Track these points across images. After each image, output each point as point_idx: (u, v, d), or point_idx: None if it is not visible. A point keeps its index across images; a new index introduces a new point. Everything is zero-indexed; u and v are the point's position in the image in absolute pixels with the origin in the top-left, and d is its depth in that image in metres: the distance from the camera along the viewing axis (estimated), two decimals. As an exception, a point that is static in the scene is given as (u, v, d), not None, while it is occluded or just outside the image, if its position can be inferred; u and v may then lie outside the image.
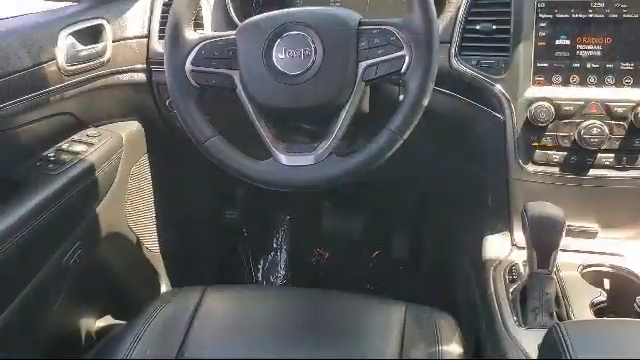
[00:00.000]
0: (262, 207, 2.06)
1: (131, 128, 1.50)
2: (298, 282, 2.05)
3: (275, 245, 2.11)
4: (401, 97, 1.01)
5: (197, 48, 1.04)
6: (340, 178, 1.01)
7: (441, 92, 1.22)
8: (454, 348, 1.03)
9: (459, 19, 1.22)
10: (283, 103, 1.02)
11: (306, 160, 1.00)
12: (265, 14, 1.05)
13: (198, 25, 1.38)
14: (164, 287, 1.71)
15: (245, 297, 1.19)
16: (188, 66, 1.04)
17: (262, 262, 2.09)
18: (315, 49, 1.00)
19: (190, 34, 1.05)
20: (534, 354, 0.93)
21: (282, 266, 2.08)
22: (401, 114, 0.98)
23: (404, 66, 0.97)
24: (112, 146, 1.40)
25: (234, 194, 2.04)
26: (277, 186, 1.04)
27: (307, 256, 2.08)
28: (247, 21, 1.06)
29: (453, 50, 1.22)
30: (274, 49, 1.01)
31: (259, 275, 2.08)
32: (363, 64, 0.99)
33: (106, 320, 1.52)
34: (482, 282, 1.16)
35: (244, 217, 2.05)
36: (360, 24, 1.00)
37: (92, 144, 1.36)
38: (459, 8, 1.23)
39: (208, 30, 1.40)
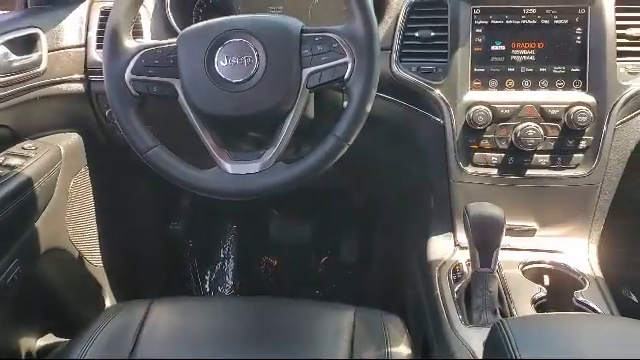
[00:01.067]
0: (207, 217, 2.03)
1: (70, 140, 1.46)
2: (247, 291, 2.03)
3: (222, 255, 2.08)
4: (345, 103, 1.02)
5: (137, 57, 1.02)
6: (287, 185, 1.01)
7: (383, 98, 1.24)
8: (402, 349, 1.04)
9: (399, 26, 1.24)
10: (226, 111, 1.01)
11: (252, 168, 1.00)
12: (206, 22, 1.04)
13: (137, 34, 1.35)
14: (109, 302, 1.66)
15: (192, 309, 1.18)
16: (128, 75, 1.02)
17: (209, 273, 2.07)
18: (258, 56, 1.00)
19: (129, 43, 1.03)
20: (480, 352, 0.95)
21: (230, 276, 2.06)
22: (345, 120, 0.99)
23: (347, 73, 0.99)
24: (50, 159, 1.36)
25: (178, 205, 2.01)
26: (223, 195, 1.03)
27: (255, 265, 2.07)
28: (188, 29, 1.05)
29: (394, 56, 1.24)
30: (216, 57, 1.01)
31: (207, 286, 2.05)
32: (307, 71, 1.00)
33: (48, 339, 1.47)
34: (428, 283, 1.19)
35: (189, 228, 2.02)
36: (302, 31, 1.01)
37: (29, 157, 1.31)
38: (398, 15, 1.25)
39: (148, 39, 1.38)
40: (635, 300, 1.67)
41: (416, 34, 1.24)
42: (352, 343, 1.05)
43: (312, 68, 1.00)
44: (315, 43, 1.00)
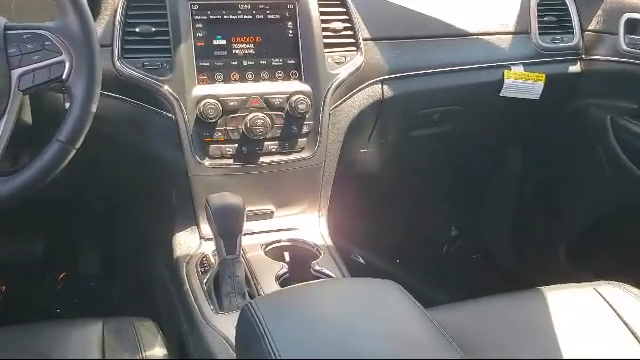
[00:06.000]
0: None
1: None
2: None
3: None
4: (67, 105, 0.96)
5: None
6: (6, 200, 0.91)
7: (109, 96, 1.20)
8: (157, 351, 1.03)
9: (117, 22, 1.21)
10: None
11: None
12: None
13: None
14: None
15: None
16: None
17: None
18: None
19: None
20: (234, 337, 0.99)
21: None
22: (69, 123, 0.93)
23: (65, 72, 0.92)
24: None
25: None
26: None
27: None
28: None
29: (116, 53, 1.20)
30: None
31: None
32: (17, 72, 0.91)
33: None
34: (177, 279, 1.19)
35: None
36: (7, 28, 0.92)
37: None
38: (116, 11, 1.21)
39: None
40: (362, 262, 1.90)
41: (137, 29, 1.21)
42: (103, 356, 1.00)
43: (23, 69, 0.91)
44: (24, 41, 0.91)
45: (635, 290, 1.13)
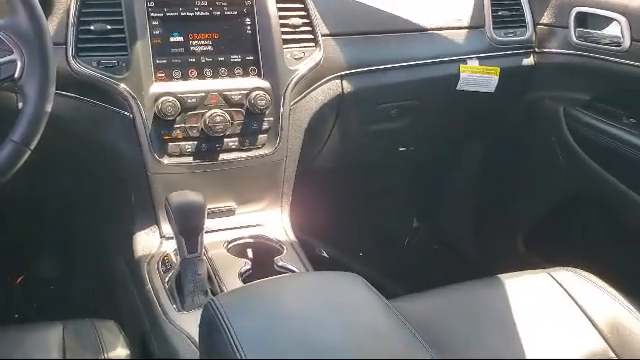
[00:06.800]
0: None
1: None
2: None
3: None
4: (20, 105, 0.94)
5: None
6: None
7: (65, 96, 1.18)
8: (120, 351, 1.02)
9: (71, 20, 1.18)
10: None
11: None
12: None
13: None
14: None
15: None
16: None
17: None
18: None
19: None
20: (197, 334, 0.99)
21: None
22: (23, 123, 0.92)
23: (17, 71, 0.91)
24: None
25: None
26: None
27: None
28: None
29: (70, 51, 1.18)
30: None
31: None
32: (-36, 72, 0.89)
33: None
34: (138, 280, 1.18)
35: None
36: None
37: None
38: (69, 8, 1.19)
39: None
40: (326, 255, 1.92)
41: (91, 27, 1.19)
42: (64, 358, 0.99)
43: None
44: None
45: (589, 275, 1.17)
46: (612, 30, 1.44)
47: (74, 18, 1.18)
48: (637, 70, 1.38)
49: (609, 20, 1.44)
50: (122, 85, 1.20)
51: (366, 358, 0.71)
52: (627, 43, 1.39)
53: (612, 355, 1.01)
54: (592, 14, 1.49)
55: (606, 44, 1.45)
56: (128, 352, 1.03)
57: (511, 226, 1.90)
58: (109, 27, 1.20)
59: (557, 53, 1.58)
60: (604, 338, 1.03)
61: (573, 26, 1.52)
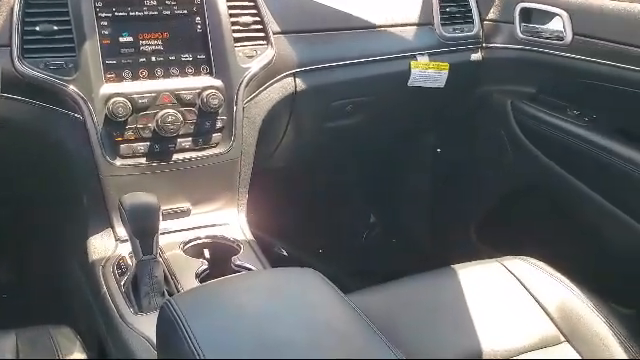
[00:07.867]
0: None
1: None
2: None
3: None
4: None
5: None
6: None
7: (10, 98, 1.16)
8: (76, 356, 1.00)
9: (15, 21, 1.16)
10: None
11: None
12: None
13: None
14: None
15: None
16: None
17: None
18: None
19: None
20: (154, 336, 0.98)
21: None
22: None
23: None
24: None
25: None
26: None
27: None
28: None
29: (15, 53, 1.15)
30: None
31: None
32: None
33: None
34: (93, 283, 1.16)
35: None
36: None
37: None
38: (12, 8, 1.16)
39: None
40: (285, 254, 1.92)
41: (37, 28, 1.17)
42: (18, 368, 0.97)
43: None
44: None
45: (539, 263, 1.21)
46: (555, 25, 1.48)
47: (18, 18, 1.16)
48: (579, 63, 1.43)
49: (552, 15, 1.49)
50: (71, 87, 1.18)
51: (323, 354, 0.72)
52: (569, 37, 1.44)
53: (563, 339, 1.05)
54: (536, 9, 1.53)
55: (549, 38, 1.50)
56: (85, 357, 1.02)
57: (463, 217, 1.94)
58: (56, 27, 1.18)
59: (504, 48, 1.63)
60: (555, 324, 1.07)
61: (518, 21, 1.56)
